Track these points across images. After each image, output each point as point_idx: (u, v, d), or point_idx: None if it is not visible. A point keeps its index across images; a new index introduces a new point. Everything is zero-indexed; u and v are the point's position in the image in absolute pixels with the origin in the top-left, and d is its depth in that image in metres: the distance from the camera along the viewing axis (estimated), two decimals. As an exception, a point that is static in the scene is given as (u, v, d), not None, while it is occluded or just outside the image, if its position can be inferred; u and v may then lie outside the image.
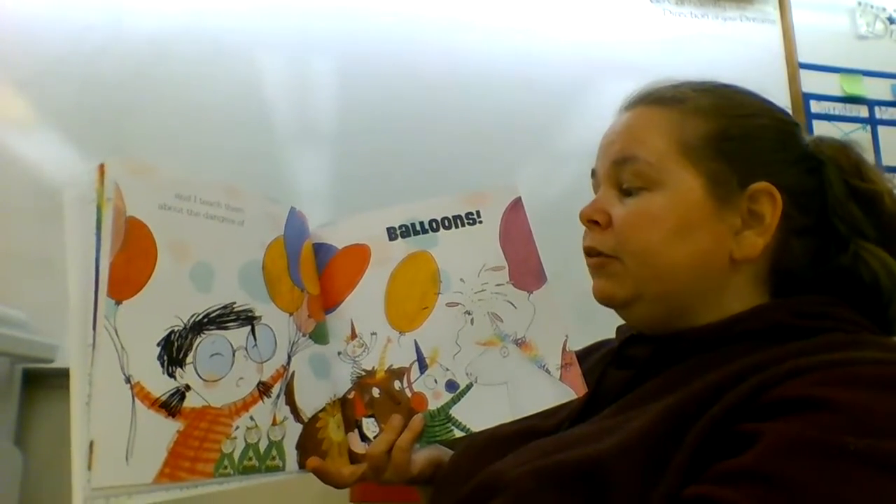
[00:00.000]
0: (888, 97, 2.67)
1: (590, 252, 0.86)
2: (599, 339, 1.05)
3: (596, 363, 0.96)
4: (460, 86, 2.25)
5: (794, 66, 2.57)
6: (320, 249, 0.95)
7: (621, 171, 0.82)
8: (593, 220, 0.85)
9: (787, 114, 0.87)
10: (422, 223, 0.97)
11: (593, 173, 0.89)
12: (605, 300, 0.85)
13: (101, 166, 0.76)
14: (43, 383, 1.81)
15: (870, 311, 0.78)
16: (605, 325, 0.98)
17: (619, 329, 0.96)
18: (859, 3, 2.78)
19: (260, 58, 2.14)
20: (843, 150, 0.82)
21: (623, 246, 0.81)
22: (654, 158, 0.79)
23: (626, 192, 0.82)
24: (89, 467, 0.66)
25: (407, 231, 0.96)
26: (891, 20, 2.79)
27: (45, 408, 1.84)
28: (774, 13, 2.65)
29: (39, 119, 1.94)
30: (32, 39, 1.98)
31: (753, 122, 0.81)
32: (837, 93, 2.61)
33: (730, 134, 0.79)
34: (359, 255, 0.96)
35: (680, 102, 0.82)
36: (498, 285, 0.95)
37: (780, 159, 0.80)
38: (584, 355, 1.02)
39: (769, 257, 0.79)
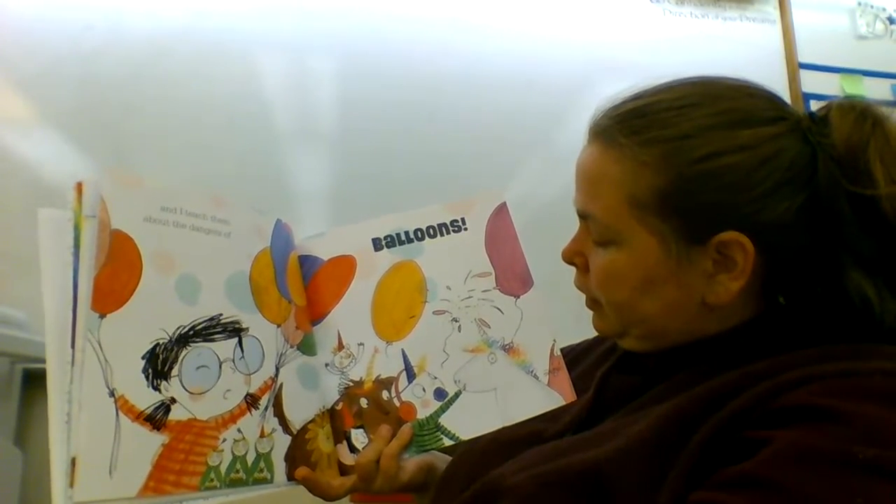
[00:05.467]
0: (888, 97, 2.65)
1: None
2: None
3: (594, 362, 0.96)
4: (460, 86, 2.25)
5: (794, 66, 2.56)
6: (306, 261, 0.96)
7: (586, 224, 0.82)
8: (573, 263, 0.86)
9: (773, 120, 0.74)
10: (407, 233, 0.97)
11: (574, 203, 0.86)
12: (598, 333, 0.88)
13: (79, 184, 0.76)
14: (43, 383, 1.80)
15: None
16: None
17: None
18: (859, 3, 2.77)
19: (260, 58, 2.14)
20: (850, 130, 0.73)
21: (598, 297, 0.83)
22: (608, 219, 0.77)
23: (596, 242, 0.80)
24: (71, 484, 0.66)
25: (392, 241, 0.97)
26: (891, 20, 2.78)
27: (44, 408, 1.82)
28: (774, 13, 2.64)
29: (39, 119, 1.94)
30: (32, 39, 1.98)
31: (712, 164, 0.72)
32: (837, 93, 2.58)
33: (682, 188, 0.73)
34: (344, 267, 0.96)
35: (629, 150, 0.75)
36: (484, 291, 0.96)
37: (750, 198, 0.72)
38: (580, 352, 1.02)
39: (759, 280, 0.76)
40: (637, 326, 0.81)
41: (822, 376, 0.63)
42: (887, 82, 2.68)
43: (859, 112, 0.74)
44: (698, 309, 0.76)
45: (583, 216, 0.82)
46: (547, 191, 2.19)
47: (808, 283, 0.77)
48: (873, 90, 2.64)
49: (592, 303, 0.85)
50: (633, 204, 0.75)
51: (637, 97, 0.79)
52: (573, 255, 0.85)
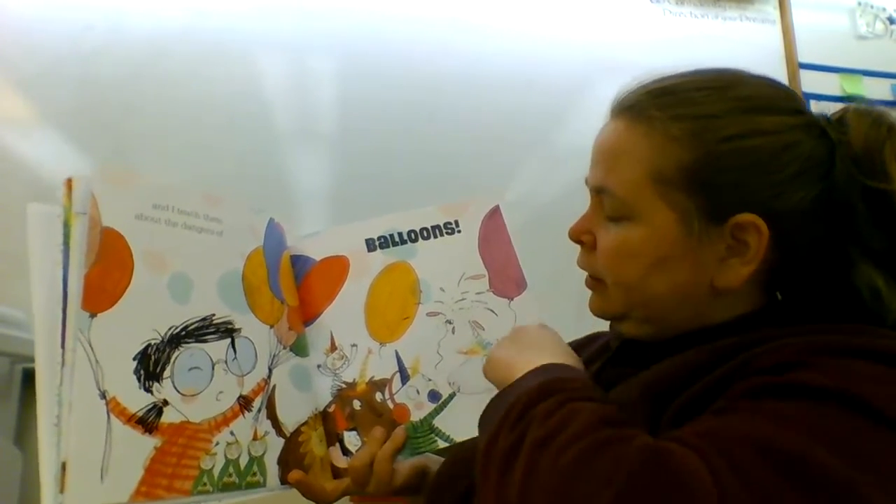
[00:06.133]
0: (888, 97, 2.63)
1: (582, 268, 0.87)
2: (599, 338, 1.04)
3: (590, 358, 0.96)
4: (460, 86, 2.24)
5: (794, 66, 2.55)
6: (298, 261, 0.95)
7: (601, 199, 0.80)
8: (580, 241, 0.85)
9: (793, 112, 0.77)
10: (400, 234, 0.97)
11: (587, 182, 0.86)
12: (596, 314, 0.86)
13: (69, 180, 0.75)
14: (43, 383, 1.80)
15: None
16: (605, 324, 0.97)
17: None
18: (859, 3, 2.75)
19: (260, 58, 2.13)
20: (867, 131, 0.75)
21: (605, 275, 0.81)
22: (627, 193, 0.77)
23: (609, 218, 0.80)
24: (61, 490, 0.65)
25: (385, 242, 0.97)
26: (891, 20, 2.76)
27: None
28: (774, 13, 2.62)
29: (39, 119, 1.93)
30: (32, 39, 1.97)
31: (738, 144, 0.74)
32: (837, 93, 2.58)
33: (708, 165, 0.73)
34: (337, 267, 0.96)
35: (659, 123, 0.76)
36: (478, 293, 0.96)
37: (771, 182, 0.73)
38: (576, 349, 1.02)
39: (766, 270, 0.76)
40: (641, 308, 0.80)
41: (811, 343, 0.65)
42: (887, 82, 2.66)
43: (875, 116, 0.76)
44: (707, 292, 0.76)
45: (598, 191, 0.81)
46: (547, 191, 2.18)
47: (815, 276, 0.78)
48: (873, 90, 2.63)
49: (594, 282, 0.84)
50: (657, 178, 0.75)
51: (664, 79, 0.80)
52: (581, 233, 0.84)
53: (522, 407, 0.65)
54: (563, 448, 0.58)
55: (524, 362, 0.75)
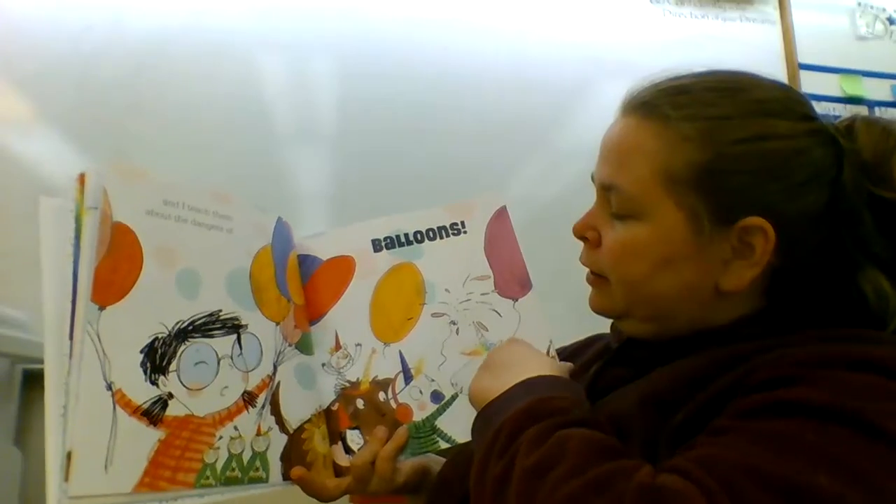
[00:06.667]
0: (888, 98, 2.64)
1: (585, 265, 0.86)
2: (598, 338, 1.03)
3: (590, 359, 0.96)
4: (460, 86, 2.24)
5: (794, 67, 2.55)
6: (305, 261, 0.96)
7: (608, 196, 0.80)
8: (584, 237, 0.85)
9: (805, 117, 0.78)
10: (406, 235, 0.97)
11: (593, 177, 0.85)
12: (596, 312, 0.85)
13: (82, 176, 0.76)
14: (43, 383, 1.79)
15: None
16: (606, 325, 0.97)
17: (613, 325, 0.96)
18: (859, 4, 2.75)
19: (260, 58, 2.13)
20: (877, 141, 0.77)
21: (609, 272, 0.81)
22: (636, 191, 0.76)
23: (615, 216, 0.79)
24: (66, 478, 0.66)
25: (392, 243, 0.97)
26: (891, 21, 2.76)
27: (44, 408, 1.83)
28: (774, 14, 2.63)
29: (39, 119, 1.93)
30: (32, 39, 1.97)
31: (750, 147, 0.74)
32: (837, 93, 2.58)
33: (719, 166, 0.73)
34: (343, 267, 0.96)
35: (672, 122, 0.75)
36: (483, 294, 0.96)
37: (781, 186, 0.73)
38: (577, 350, 1.02)
39: (768, 275, 0.76)
40: (643, 307, 0.80)
41: (793, 354, 0.65)
42: (887, 83, 2.66)
43: (882, 127, 0.78)
44: (710, 294, 0.76)
45: (606, 187, 0.80)
46: (547, 191, 2.19)
47: (818, 280, 0.77)
48: (873, 90, 2.63)
49: (596, 279, 0.84)
50: (666, 177, 0.75)
51: (677, 78, 0.80)
52: (586, 229, 0.84)
53: (509, 432, 0.66)
54: (560, 482, 0.58)
55: (504, 386, 0.75)
